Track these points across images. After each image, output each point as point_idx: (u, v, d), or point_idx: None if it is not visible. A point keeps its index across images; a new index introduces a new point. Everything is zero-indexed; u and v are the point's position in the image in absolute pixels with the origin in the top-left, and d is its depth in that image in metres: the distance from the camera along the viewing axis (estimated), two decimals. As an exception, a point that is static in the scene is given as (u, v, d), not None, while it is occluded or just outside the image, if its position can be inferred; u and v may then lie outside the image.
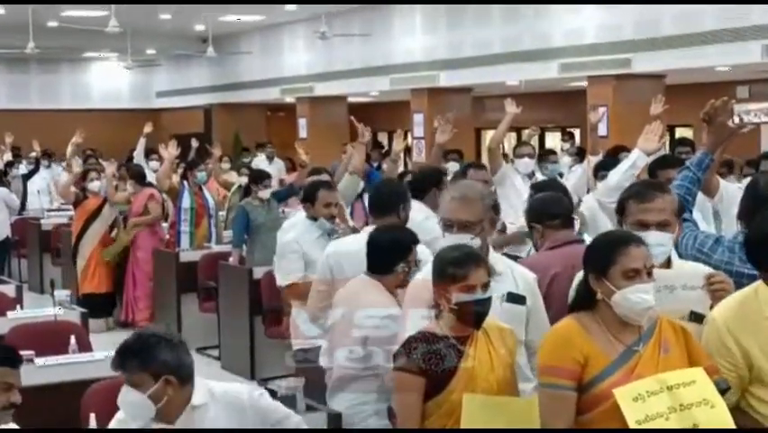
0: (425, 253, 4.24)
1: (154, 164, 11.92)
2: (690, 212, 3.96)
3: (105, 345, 5.36)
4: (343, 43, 17.90)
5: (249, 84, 21.56)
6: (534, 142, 11.60)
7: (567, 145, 12.53)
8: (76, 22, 17.61)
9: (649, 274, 3.01)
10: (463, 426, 3.09)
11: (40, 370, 4.96)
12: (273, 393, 4.15)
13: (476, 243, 3.55)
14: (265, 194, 8.54)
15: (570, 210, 4.61)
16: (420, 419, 3.20)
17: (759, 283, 3.16)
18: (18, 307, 6.58)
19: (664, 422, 2.84)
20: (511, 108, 7.59)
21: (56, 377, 4.85)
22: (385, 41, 17.37)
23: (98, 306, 9.37)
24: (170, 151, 9.86)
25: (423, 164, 11.39)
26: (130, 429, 3.26)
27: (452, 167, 8.74)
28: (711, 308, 3.26)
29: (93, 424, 3.86)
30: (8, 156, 14.75)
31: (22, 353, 3.45)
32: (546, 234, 4.41)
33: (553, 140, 17.84)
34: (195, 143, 14.53)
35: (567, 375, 2.96)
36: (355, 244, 4.81)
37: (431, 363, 3.18)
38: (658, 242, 3.35)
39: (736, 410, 3.08)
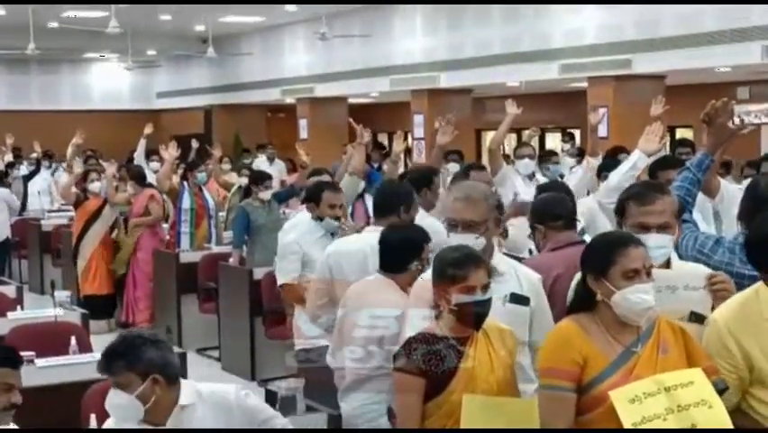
0: None
1: (155, 165, 11.92)
2: (691, 213, 3.96)
3: (106, 346, 5.36)
4: (344, 44, 17.90)
5: (249, 85, 21.56)
6: (535, 143, 11.62)
7: (567, 146, 12.53)
8: (76, 22, 17.61)
9: (648, 274, 3.01)
10: (463, 426, 3.09)
11: (40, 371, 4.96)
12: (273, 394, 4.16)
13: (480, 242, 3.55)
14: (266, 195, 8.54)
15: (573, 211, 4.60)
16: (420, 419, 3.20)
17: (760, 285, 3.16)
18: (18, 307, 6.58)
19: (662, 423, 2.84)
20: (512, 109, 7.59)
21: (56, 378, 4.86)
22: (385, 42, 17.37)
23: (99, 307, 9.37)
24: (171, 152, 9.86)
25: (417, 165, 11.39)
26: (131, 429, 3.26)
27: (453, 168, 8.74)
28: (712, 308, 3.26)
29: (93, 425, 3.86)
30: (9, 157, 14.76)
31: (22, 353, 3.45)
32: (549, 235, 4.41)
33: (554, 141, 17.84)
34: (195, 144, 14.53)
35: (566, 377, 2.96)
36: (354, 244, 4.82)
37: (431, 364, 3.18)
38: (658, 244, 3.35)
39: (736, 411, 3.08)
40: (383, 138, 21.23)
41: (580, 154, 10.55)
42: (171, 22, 19.35)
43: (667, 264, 3.44)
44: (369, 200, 7.61)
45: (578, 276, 3.19)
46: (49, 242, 11.59)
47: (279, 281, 5.89)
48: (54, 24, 17.88)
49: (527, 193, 7.04)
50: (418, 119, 16.84)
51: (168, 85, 25.14)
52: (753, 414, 3.11)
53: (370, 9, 17.47)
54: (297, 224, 6.02)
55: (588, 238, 4.60)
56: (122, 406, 3.20)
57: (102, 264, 9.73)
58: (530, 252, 5.42)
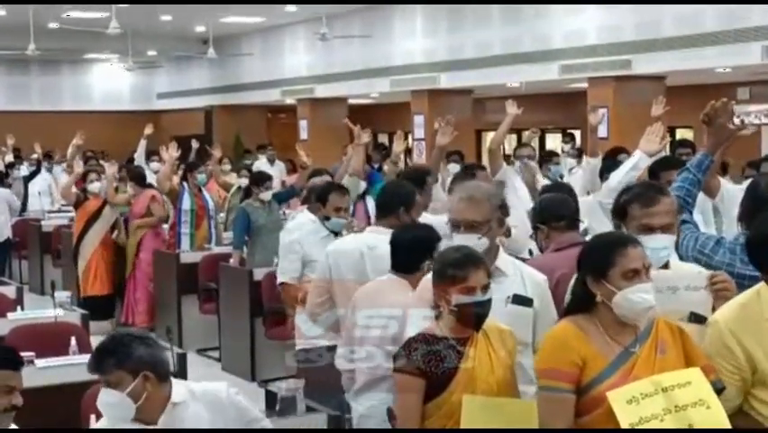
0: None
1: (155, 165, 11.92)
2: (691, 213, 3.96)
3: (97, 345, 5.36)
4: (344, 45, 17.90)
5: (249, 85, 21.57)
6: (535, 143, 11.62)
7: (568, 147, 12.54)
8: (76, 23, 17.62)
9: (647, 274, 3.01)
10: (463, 427, 3.08)
11: (40, 371, 4.97)
12: (273, 394, 4.16)
13: (483, 242, 3.55)
14: (266, 196, 8.55)
15: (576, 212, 4.59)
16: (420, 420, 3.20)
17: (761, 285, 3.16)
18: (18, 308, 6.59)
19: (659, 424, 2.84)
20: (512, 109, 7.58)
21: (56, 378, 4.86)
22: (385, 43, 17.38)
23: (99, 308, 9.36)
24: (171, 153, 9.87)
25: (414, 165, 11.39)
26: (130, 429, 3.26)
27: (453, 168, 8.74)
28: (713, 309, 3.26)
29: (93, 425, 3.85)
30: (9, 158, 14.77)
31: (22, 354, 3.45)
32: (552, 235, 4.39)
33: (554, 141, 17.84)
34: (195, 145, 14.54)
35: (565, 378, 2.96)
36: (351, 243, 4.83)
37: (431, 365, 3.18)
38: (663, 245, 3.36)
39: (738, 413, 3.08)
40: (383, 138, 21.24)
41: (579, 155, 10.56)
42: (172, 22, 19.35)
43: (665, 265, 3.44)
44: (369, 201, 7.61)
45: (574, 277, 3.19)
46: (49, 242, 11.59)
47: (279, 280, 5.92)
48: (54, 25, 17.89)
49: (527, 193, 7.04)
50: (418, 120, 16.84)
51: (168, 85, 25.15)
52: (755, 415, 3.10)
53: (370, 9, 17.47)
54: (302, 224, 6.04)
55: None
56: (113, 404, 3.19)
57: (102, 265, 9.73)
58: (530, 252, 5.42)
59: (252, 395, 4.52)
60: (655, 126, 5.52)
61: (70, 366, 5.07)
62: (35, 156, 14.95)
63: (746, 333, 3.07)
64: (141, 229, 9.53)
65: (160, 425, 3.24)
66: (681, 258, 3.66)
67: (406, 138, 9.42)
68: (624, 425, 2.82)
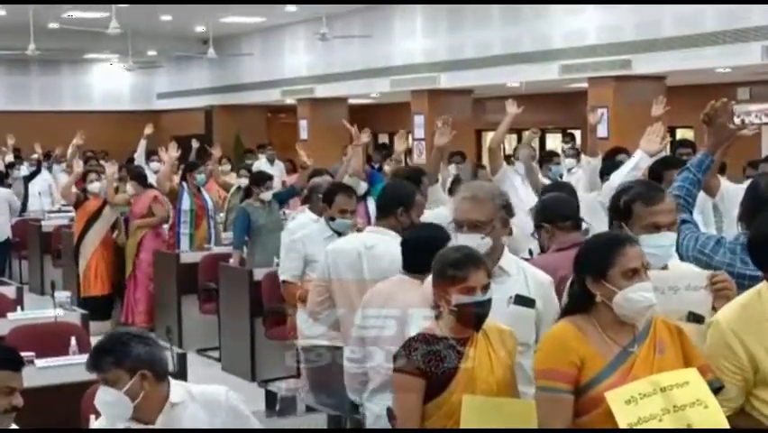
0: None
1: (155, 165, 11.93)
2: (691, 213, 3.96)
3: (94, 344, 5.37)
4: (344, 45, 17.90)
5: (249, 85, 21.57)
6: (535, 143, 11.62)
7: (567, 147, 12.54)
8: (76, 23, 17.62)
9: (646, 272, 3.01)
10: (463, 427, 3.08)
11: (40, 371, 4.96)
12: (273, 394, 4.16)
13: (486, 242, 3.55)
14: (266, 196, 8.54)
15: (578, 212, 4.59)
16: (420, 420, 3.20)
17: (762, 285, 3.16)
18: (18, 308, 6.58)
19: (657, 424, 2.83)
20: (512, 108, 7.59)
21: (56, 378, 4.85)
22: (385, 43, 17.38)
23: (99, 308, 9.36)
24: (170, 153, 9.87)
25: (411, 165, 11.38)
26: (129, 429, 3.26)
27: (453, 170, 8.74)
28: (713, 308, 3.26)
29: (93, 425, 3.85)
30: (10, 158, 14.76)
31: (22, 354, 3.45)
32: (556, 235, 4.38)
33: (554, 141, 17.84)
34: (195, 144, 14.54)
35: (564, 378, 2.96)
36: (350, 243, 4.83)
37: (431, 365, 3.18)
38: (670, 242, 3.37)
39: (739, 413, 3.08)
40: (383, 138, 21.25)
41: (577, 155, 10.56)
42: (172, 22, 19.35)
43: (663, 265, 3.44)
44: (370, 202, 7.62)
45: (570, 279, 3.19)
46: (49, 242, 11.59)
47: (281, 278, 5.93)
48: (54, 25, 17.88)
49: (527, 193, 7.05)
50: (419, 120, 16.85)
51: (168, 85, 25.15)
52: (756, 415, 3.10)
53: (370, 9, 17.47)
54: (305, 224, 6.07)
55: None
56: (110, 402, 3.20)
57: (102, 265, 9.74)
58: (530, 252, 5.42)
59: (252, 395, 4.53)
60: (656, 126, 5.53)
61: (70, 366, 5.06)
62: (35, 156, 14.95)
63: (748, 333, 3.07)
64: (142, 229, 9.53)
65: (158, 425, 3.24)
66: (682, 258, 3.66)
67: (407, 138, 9.41)
68: (622, 425, 2.81)
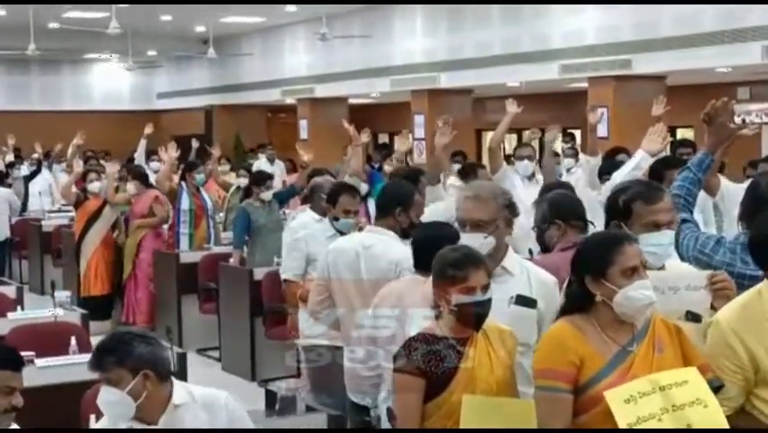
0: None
1: (155, 165, 11.93)
2: (691, 213, 3.96)
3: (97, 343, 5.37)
4: (344, 45, 17.90)
5: (249, 85, 21.57)
6: (535, 143, 11.61)
7: (567, 147, 12.54)
8: (77, 23, 17.62)
9: (644, 271, 3.01)
10: (463, 427, 3.08)
11: (40, 371, 4.97)
12: (273, 394, 4.15)
13: (489, 242, 3.54)
14: (267, 195, 8.55)
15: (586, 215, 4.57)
16: (420, 419, 3.20)
17: (762, 285, 3.16)
18: (18, 308, 6.59)
19: (657, 423, 2.83)
20: (512, 108, 7.59)
21: (56, 378, 4.85)
22: (385, 43, 17.38)
23: (99, 308, 9.36)
24: (170, 153, 9.87)
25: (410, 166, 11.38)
26: (131, 429, 3.25)
27: (454, 169, 8.73)
28: (713, 308, 3.26)
29: (93, 425, 3.85)
30: (10, 157, 14.76)
31: (22, 354, 3.45)
32: (568, 233, 4.35)
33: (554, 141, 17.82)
34: (195, 144, 14.54)
35: (563, 378, 2.96)
36: (349, 242, 4.83)
37: (431, 365, 3.18)
38: (670, 241, 3.37)
39: (739, 412, 3.08)
40: (384, 138, 21.25)
41: (575, 155, 10.56)
42: (172, 22, 19.36)
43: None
44: (371, 202, 7.62)
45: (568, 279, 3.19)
46: (49, 242, 11.59)
47: (282, 277, 5.94)
48: (55, 25, 17.88)
49: (527, 193, 7.03)
50: (419, 119, 16.85)
51: (168, 85, 25.15)
52: (757, 414, 3.10)
53: (370, 9, 17.48)
54: (305, 223, 6.06)
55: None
56: (113, 402, 3.19)
57: (102, 264, 9.74)
58: (530, 252, 5.42)
59: (252, 395, 4.54)
60: (657, 126, 5.53)
61: (70, 366, 5.07)
62: (35, 156, 14.95)
63: (749, 332, 3.07)
64: (142, 229, 9.53)
65: (161, 425, 3.24)
66: (682, 258, 3.66)
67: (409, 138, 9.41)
68: (622, 425, 2.81)
